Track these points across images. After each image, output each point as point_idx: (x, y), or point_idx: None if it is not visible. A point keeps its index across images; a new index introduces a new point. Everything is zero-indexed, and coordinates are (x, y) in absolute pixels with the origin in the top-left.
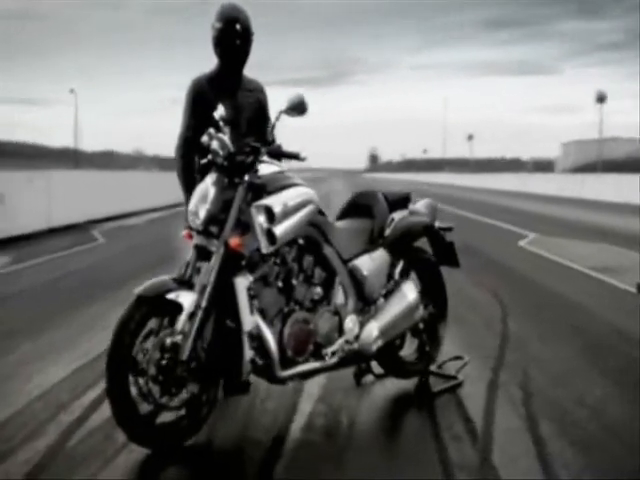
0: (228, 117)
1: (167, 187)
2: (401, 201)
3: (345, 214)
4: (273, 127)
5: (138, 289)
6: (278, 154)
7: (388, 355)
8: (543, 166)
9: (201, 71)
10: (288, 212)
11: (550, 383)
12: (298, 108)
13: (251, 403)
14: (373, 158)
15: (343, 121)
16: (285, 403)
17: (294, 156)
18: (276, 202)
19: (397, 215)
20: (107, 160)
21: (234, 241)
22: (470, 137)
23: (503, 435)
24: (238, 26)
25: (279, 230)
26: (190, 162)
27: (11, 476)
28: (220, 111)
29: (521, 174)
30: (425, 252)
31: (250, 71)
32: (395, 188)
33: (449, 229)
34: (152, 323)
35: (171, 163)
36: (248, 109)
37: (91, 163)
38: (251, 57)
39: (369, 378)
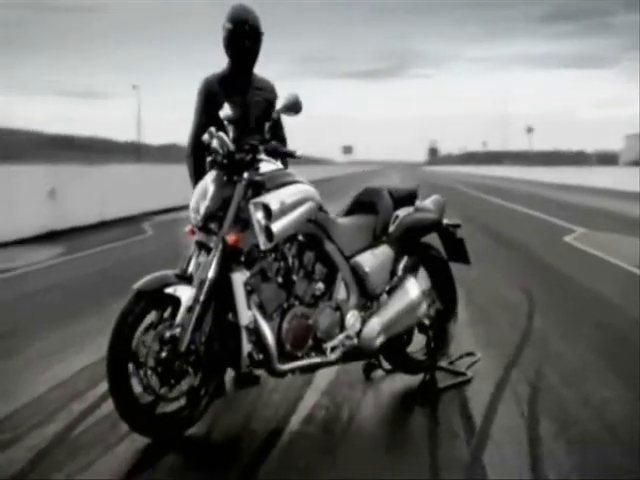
0: (236, 115)
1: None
2: (407, 198)
3: (350, 211)
4: (270, 126)
5: (137, 283)
6: (275, 152)
7: (395, 351)
8: (607, 159)
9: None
10: (286, 209)
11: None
12: (293, 107)
13: (258, 395)
14: (433, 151)
15: (403, 114)
16: (291, 396)
17: (290, 154)
18: (274, 199)
19: (402, 212)
20: (170, 153)
21: (231, 237)
22: (529, 130)
23: (501, 434)
24: (247, 27)
25: (277, 227)
26: (201, 160)
27: (15, 462)
28: (225, 110)
29: (582, 167)
30: (434, 249)
31: (320, 64)
32: (457, 183)
33: (457, 226)
34: (152, 317)
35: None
36: (257, 107)
37: (154, 156)
38: (319, 51)
39: (379, 373)
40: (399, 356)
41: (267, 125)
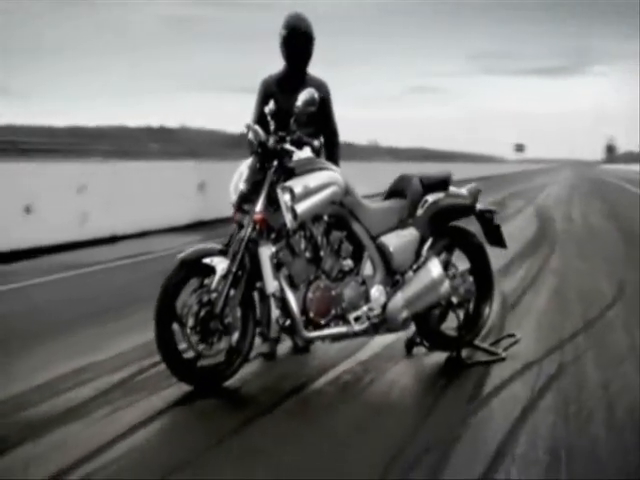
0: (284, 111)
1: (378, 177)
2: (439, 184)
3: (386, 198)
4: (294, 120)
5: (181, 254)
6: (299, 142)
7: (429, 328)
8: None
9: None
10: (310, 192)
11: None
12: (311, 103)
13: (302, 361)
14: (610, 148)
15: (578, 111)
16: (329, 363)
17: (310, 144)
18: (298, 183)
19: (431, 197)
20: (343, 152)
21: (258, 216)
22: None
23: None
24: (301, 33)
25: (300, 208)
26: None
27: (76, 399)
28: (270, 106)
29: None
30: (470, 233)
31: (495, 62)
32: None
33: (493, 212)
34: (194, 283)
35: (406, 154)
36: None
37: None
38: (494, 49)
39: (421, 350)
40: (433, 333)
41: (292, 119)
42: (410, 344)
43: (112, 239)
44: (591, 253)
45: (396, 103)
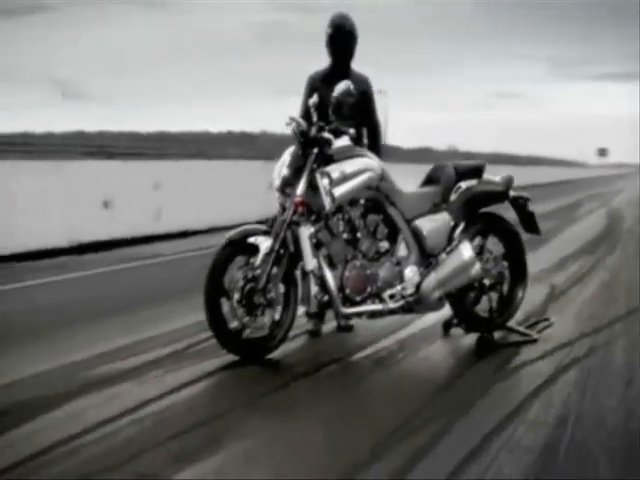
0: (326, 104)
1: None
2: (472, 172)
3: (422, 186)
4: (332, 111)
5: (229, 234)
6: (336, 131)
7: (465, 310)
8: None
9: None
10: (346, 177)
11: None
12: (347, 94)
13: (344, 338)
14: None
15: None
16: (368, 340)
17: (346, 132)
18: (336, 169)
19: (465, 184)
20: (422, 156)
21: (298, 199)
22: None
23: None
24: (345, 32)
25: (338, 191)
26: None
27: (129, 370)
28: (313, 99)
29: None
30: (504, 220)
31: (572, 67)
32: None
33: (526, 198)
34: (241, 261)
35: (485, 159)
36: (353, 98)
37: (406, 158)
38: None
39: (458, 332)
40: (468, 315)
41: (330, 109)
42: (447, 325)
43: (184, 234)
44: None
45: (475, 108)
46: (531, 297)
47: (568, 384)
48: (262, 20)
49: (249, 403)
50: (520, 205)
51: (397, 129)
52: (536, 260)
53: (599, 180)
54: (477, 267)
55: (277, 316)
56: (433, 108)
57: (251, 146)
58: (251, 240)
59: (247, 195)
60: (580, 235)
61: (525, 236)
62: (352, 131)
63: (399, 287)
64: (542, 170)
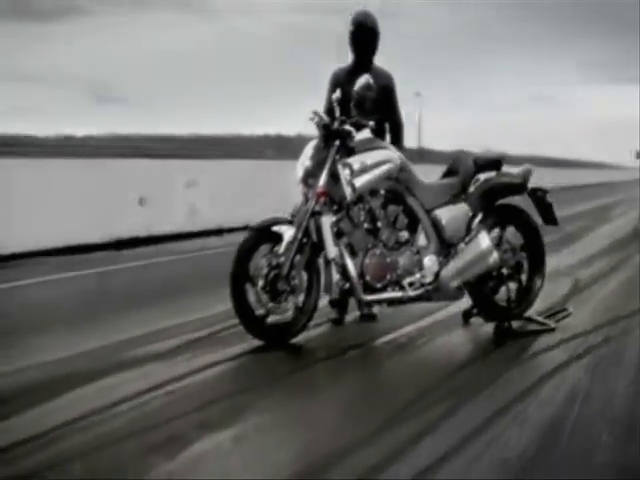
0: (349, 98)
1: None
2: (491, 164)
3: (442, 177)
4: (354, 105)
5: (254, 223)
6: (357, 124)
7: (484, 299)
8: None
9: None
10: (367, 168)
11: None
12: (367, 88)
13: (367, 326)
14: None
15: None
16: (390, 327)
17: (366, 125)
18: (357, 160)
19: (484, 176)
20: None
21: (320, 190)
22: None
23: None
24: (367, 28)
25: (358, 182)
26: None
27: (166, 345)
28: (336, 94)
29: None
30: (523, 212)
31: (600, 69)
32: None
33: (545, 191)
34: (266, 249)
35: (519, 161)
36: (374, 93)
37: (436, 160)
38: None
39: (478, 321)
40: (488, 304)
41: (351, 103)
42: (467, 315)
43: (218, 231)
44: None
45: (509, 111)
46: (554, 290)
47: (580, 369)
48: (297, 24)
49: (271, 382)
50: (539, 197)
51: (432, 132)
52: (564, 256)
53: (636, 182)
54: (495, 256)
55: (300, 302)
56: (466, 111)
57: (286, 148)
58: (275, 229)
59: (281, 192)
60: (610, 234)
61: (556, 234)
62: (372, 123)
63: (418, 275)
64: (578, 173)
